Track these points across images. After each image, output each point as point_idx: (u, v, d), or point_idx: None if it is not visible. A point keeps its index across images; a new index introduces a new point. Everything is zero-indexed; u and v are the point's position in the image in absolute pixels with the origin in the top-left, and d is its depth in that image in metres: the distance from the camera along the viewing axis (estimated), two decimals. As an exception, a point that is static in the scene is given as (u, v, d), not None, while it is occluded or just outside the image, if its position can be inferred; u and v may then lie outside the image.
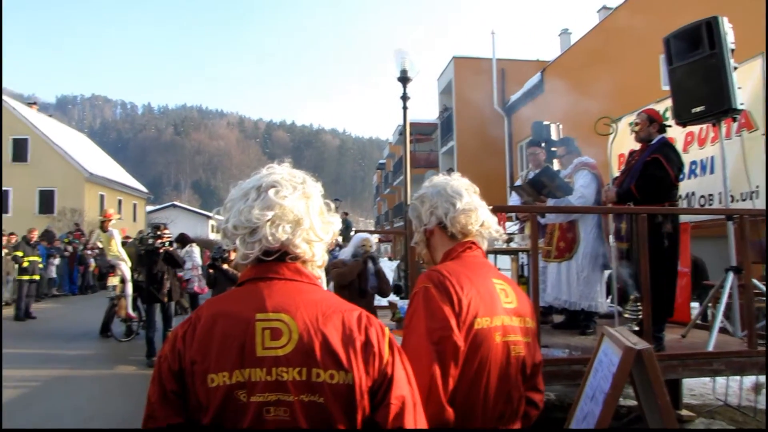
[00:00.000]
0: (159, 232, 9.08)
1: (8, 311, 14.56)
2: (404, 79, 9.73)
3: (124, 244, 11.47)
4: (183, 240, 11.95)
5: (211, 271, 9.45)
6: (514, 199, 6.76)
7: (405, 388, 1.46)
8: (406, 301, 6.44)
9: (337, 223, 1.62)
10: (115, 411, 6.44)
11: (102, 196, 34.36)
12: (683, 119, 5.43)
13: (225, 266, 9.21)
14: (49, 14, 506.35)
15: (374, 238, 7.39)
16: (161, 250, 8.97)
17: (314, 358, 1.38)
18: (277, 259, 1.51)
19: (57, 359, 9.08)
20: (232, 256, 9.32)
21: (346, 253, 6.55)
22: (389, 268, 14.88)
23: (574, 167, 5.84)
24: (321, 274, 1.60)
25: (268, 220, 1.47)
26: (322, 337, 1.40)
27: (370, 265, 6.42)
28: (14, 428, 4.96)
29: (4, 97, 33.52)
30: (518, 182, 7.09)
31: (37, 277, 14.76)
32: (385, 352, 1.46)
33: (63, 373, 8.19)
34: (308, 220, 1.52)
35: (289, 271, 1.51)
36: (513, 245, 5.89)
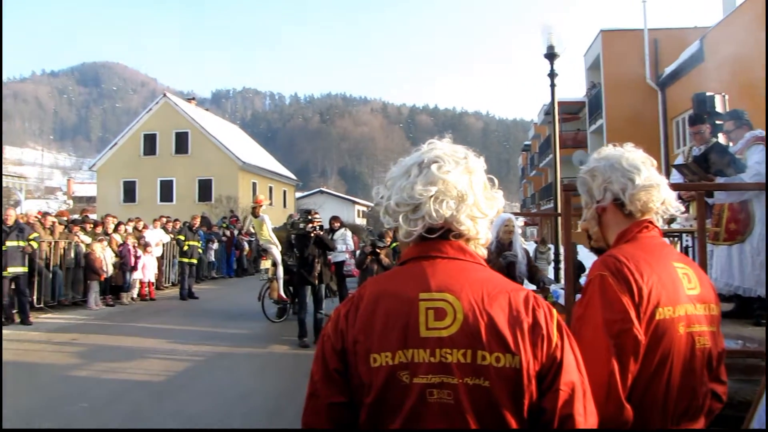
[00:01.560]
0: (310, 217, 9.32)
1: (174, 291, 16.06)
2: (551, 55, 9.38)
3: (275, 228, 12.01)
4: (341, 222, 12.48)
5: (370, 257, 9.42)
6: (674, 179, 6.28)
7: (575, 374, 1.37)
8: (560, 284, 6.19)
9: (500, 199, 1.53)
10: (270, 387, 6.76)
11: (254, 184, 36.18)
12: None
13: (381, 255, 9.27)
14: (202, 18, 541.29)
15: (520, 221, 7.12)
16: (312, 234, 9.19)
17: (480, 340, 1.32)
18: (441, 236, 1.44)
19: (218, 336, 9.69)
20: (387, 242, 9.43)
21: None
22: (530, 249, 14.47)
23: (746, 142, 5.27)
24: (484, 253, 1.51)
25: (431, 196, 1.41)
26: (487, 318, 1.33)
27: (522, 268, 6.00)
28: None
29: (168, 95, 36.26)
30: (679, 160, 6.60)
31: (194, 261, 16.00)
32: (554, 335, 1.37)
33: (223, 350, 8.72)
34: (472, 195, 1.44)
35: (453, 249, 1.45)
36: (675, 226, 5.48)
